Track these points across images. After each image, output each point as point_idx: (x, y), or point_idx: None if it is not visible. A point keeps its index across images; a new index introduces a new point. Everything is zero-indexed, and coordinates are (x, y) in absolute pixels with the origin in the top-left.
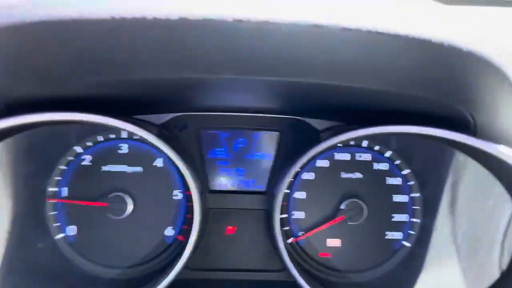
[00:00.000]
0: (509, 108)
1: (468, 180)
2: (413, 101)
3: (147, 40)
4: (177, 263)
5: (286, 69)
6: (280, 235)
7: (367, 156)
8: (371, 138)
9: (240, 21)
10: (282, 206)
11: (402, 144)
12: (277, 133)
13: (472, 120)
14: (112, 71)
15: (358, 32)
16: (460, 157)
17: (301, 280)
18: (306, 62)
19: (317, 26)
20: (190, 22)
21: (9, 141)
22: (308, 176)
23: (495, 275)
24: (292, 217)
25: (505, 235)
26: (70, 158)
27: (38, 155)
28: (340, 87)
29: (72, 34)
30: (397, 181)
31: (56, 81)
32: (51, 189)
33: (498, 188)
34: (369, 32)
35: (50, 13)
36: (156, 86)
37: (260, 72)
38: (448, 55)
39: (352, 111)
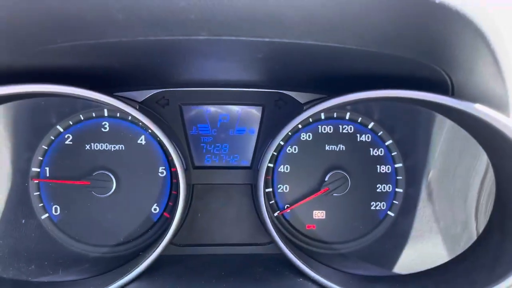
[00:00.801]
0: (484, 66)
1: (445, 145)
2: (391, 64)
3: None
4: (163, 239)
5: (260, 28)
6: (266, 208)
7: (350, 128)
8: (353, 109)
9: None
10: (267, 180)
11: (384, 114)
12: (260, 107)
13: (449, 81)
14: (86, 33)
15: None
16: (439, 124)
17: (288, 252)
18: (278, 20)
19: None
20: None
21: None
22: (292, 149)
23: (472, 238)
24: (278, 190)
25: (480, 194)
26: (52, 137)
27: (21, 135)
28: (317, 48)
29: None
30: (380, 152)
31: (32, 45)
32: (34, 169)
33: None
34: None
35: None
36: (132, 54)
37: (234, 32)
38: (421, 8)
39: (333, 80)
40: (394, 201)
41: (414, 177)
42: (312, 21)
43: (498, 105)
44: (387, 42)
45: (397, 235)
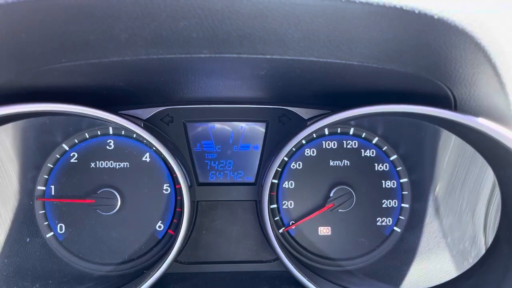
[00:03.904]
0: (486, 80)
1: (451, 160)
2: (394, 79)
3: (121, 18)
4: (167, 257)
5: (261, 45)
6: (270, 225)
7: (354, 143)
8: (357, 124)
9: None
10: (272, 196)
11: (388, 129)
12: (264, 123)
13: (451, 96)
14: (90, 53)
15: (328, 1)
16: (444, 139)
17: (293, 270)
18: (279, 37)
19: None
20: None
21: None
22: (296, 165)
23: (481, 254)
24: (282, 207)
25: (488, 209)
26: (58, 156)
27: (27, 154)
28: (319, 64)
29: (46, 15)
30: (385, 167)
31: (34, 65)
32: (39, 187)
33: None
34: (339, 0)
35: None
36: (135, 73)
37: (235, 50)
38: (421, 24)
39: (336, 96)
40: (400, 217)
41: (420, 192)
42: (312, 38)
43: (501, 118)
44: (388, 58)
45: (404, 251)
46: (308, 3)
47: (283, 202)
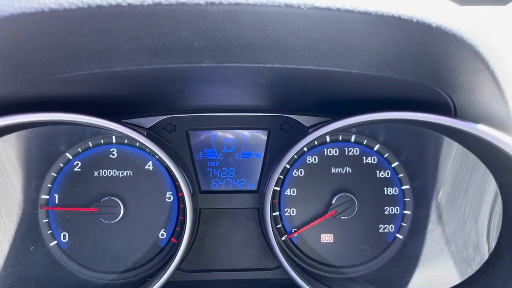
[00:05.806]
0: (485, 87)
1: (453, 166)
2: (394, 87)
3: (123, 28)
4: (170, 265)
5: (262, 54)
6: (273, 232)
7: (356, 151)
8: (359, 131)
9: (212, 4)
10: (274, 203)
11: (389, 136)
12: (266, 131)
13: (451, 103)
14: (93, 63)
15: (327, 11)
16: (446, 145)
17: (296, 277)
18: (279, 45)
19: (288, 6)
20: (163, 7)
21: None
22: (298, 172)
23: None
24: (285, 214)
25: (491, 216)
26: (62, 164)
27: (31, 163)
28: (319, 73)
29: (51, 27)
30: (387, 173)
31: (39, 75)
32: (43, 196)
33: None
34: (338, 10)
35: (26, 5)
36: (138, 82)
37: (236, 59)
38: (419, 33)
39: (337, 103)
40: (402, 224)
41: (422, 198)
42: (312, 47)
43: (500, 124)
44: (388, 66)
45: (407, 258)
46: (308, 13)
47: (285, 210)
